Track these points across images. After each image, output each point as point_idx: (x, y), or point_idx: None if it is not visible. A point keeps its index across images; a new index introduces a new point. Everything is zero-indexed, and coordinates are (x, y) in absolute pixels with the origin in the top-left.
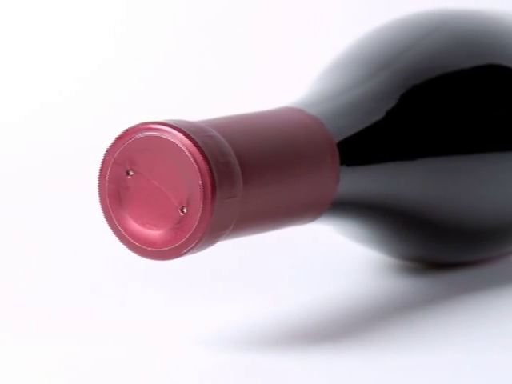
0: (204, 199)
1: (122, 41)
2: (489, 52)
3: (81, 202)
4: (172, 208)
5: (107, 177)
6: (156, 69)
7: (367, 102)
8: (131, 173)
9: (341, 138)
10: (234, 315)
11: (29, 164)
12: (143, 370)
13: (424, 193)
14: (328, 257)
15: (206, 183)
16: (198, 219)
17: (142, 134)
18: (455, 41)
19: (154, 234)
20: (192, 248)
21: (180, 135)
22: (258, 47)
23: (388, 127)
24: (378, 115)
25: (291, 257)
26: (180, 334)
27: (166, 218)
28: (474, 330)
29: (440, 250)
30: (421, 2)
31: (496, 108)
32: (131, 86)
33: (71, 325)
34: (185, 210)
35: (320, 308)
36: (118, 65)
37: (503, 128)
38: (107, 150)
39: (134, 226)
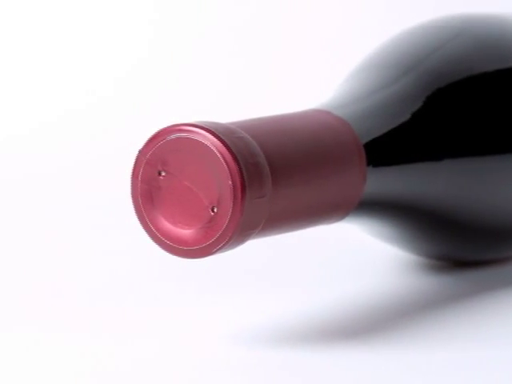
0: (234, 199)
1: (155, 44)
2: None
3: (114, 202)
4: (203, 208)
5: (140, 177)
6: (187, 72)
7: (393, 104)
8: (163, 173)
9: (367, 140)
10: (263, 312)
11: (65, 164)
12: (174, 366)
13: (449, 192)
14: (355, 255)
15: (235, 183)
16: (228, 219)
17: (173, 136)
18: (479, 44)
19: (185, 233)
20: (222, 247)
21: (211, 136)
22: (287, 51)
23: (413, 129)
24: (404, 117)
25: (319, 255)
26: (210, 331)
27: (196, 217)
28: (498, 328)
29: (465, 248)
30: (446, 7)
31: None
32: (163, 88)
33: (104, 322)
34: (215, 210)
35: (347, 305)
36: (151, 68)
37: None
38: (140, 151)
39: (166, 225)
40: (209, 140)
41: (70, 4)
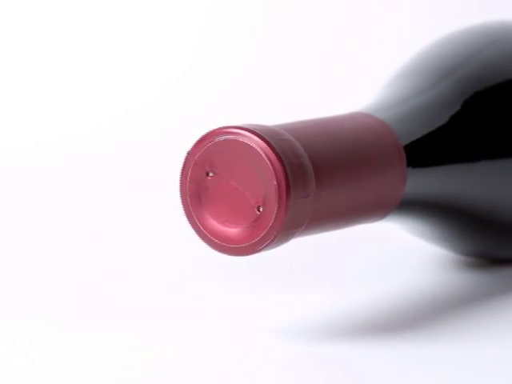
0: (279, 199)
1: (203, 49)
2: None
3: (164, 202)
4: (249, 207)
5: (188, 178)
6: (234, 77)
7: (432, 107)
8: (211, 174)
9: (407, 142)
10: (307, 308)
11: (118, 164)
12: (220, 359)
13: (485, 192)
14: (395, 253)
15: (280, 184)
16: (273, 218)
17: (221, 138)
18: None
19: (232, 231)
20: (267, 245)
21: (257, 139)
22: (331, 57)
23: (451, 131)
24: (443, 120)
25: (360, 253)
26: (255, 326)
27: (243, 216)
28: None
29: (501, 246)
30: (485, 14)
31: None
32: (211, 92)
33: (154, 318)
34: (261, 209)
35: (388, 301)
36: (200, 74)
37: None
38: (188, 153)
39: (213, 223)
40: (255, 142)
41: (128, 10)
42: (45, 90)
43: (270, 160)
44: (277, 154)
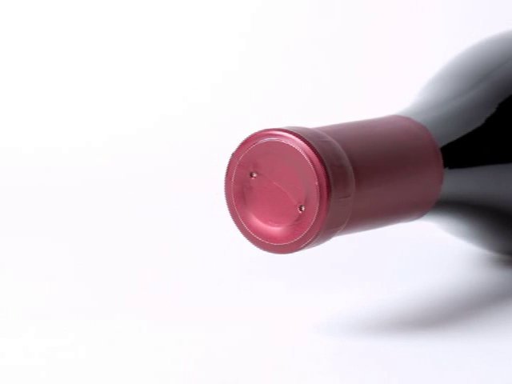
0: (320, 199)
1: (248, 54)
2: None
3: (209, 201)
4: (291, 206)
5: (233, 178)
6: (277, 80)
7: (468, 110)
8: (254, 174)
9: (444, 143)
10: (347, 303)
11: (166, 165)
12: (265, 353)
13: None
14: (432, 251)
15: (322, 184)
16: (314, 217)
17: (264, 140)
18: None
19: (275, 230)
20: (309, 243)
21: (299, 141)
22: (370, 62)
23: (487, 133)
24: (478, 122)
25: (398, 251)
26: (298, 321)
27: (286, 215)
28: None
29: None
30: None
31: None
32: (254, 96)
33: (201, 313)
34: (303, 209)
35: (425, 297)
36: (243, 77)
37: None
38: (233, 154)
39: (257, 222)
40: (297, 144)
41: (175, 14)
42: (94, 93)
43: (311, 161)
44: (318, 156)
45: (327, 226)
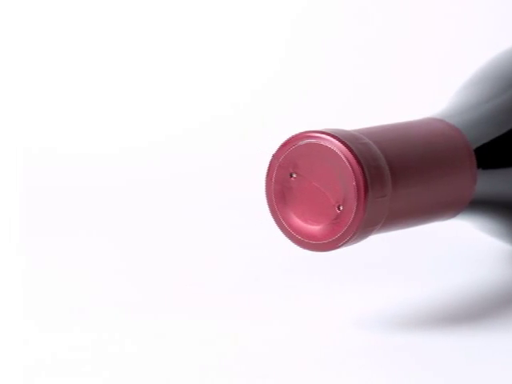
0: (358, 198)
1: (287, 59)
2: None
3: (251, 201)
4: (330, 206)
5: (273, 179)
6: (316, 84)
7: (501, 112)
8: (294, 175)
9: (477, 145)
10: (383, 300)
11: (210, 165)
12: (304, 347)
13: None
14: (466, 249)
15: (359, 184)
16: (352, 216)
17: (304, 142)
18: None
19: (314, 228)
20: (347, 241)
21: (337, 142)
22: (405, 66)
23: None
24: (510, 124)
25: (434, 249)
26: (336, 317)
27: (324, 214)
28: None
29: None
30: None
31: None
32: (294, 98)
33: (242, 308)
34: (341, 208)
35: (459, 294)
36: (284, 81)
37: None
38: (273, 156)
39: (297, 221)
40: (335, 145)
41: (216, 18)
42: (140, 96)
43: (349, 162)
44: (356, 157)
45: (364, 224)
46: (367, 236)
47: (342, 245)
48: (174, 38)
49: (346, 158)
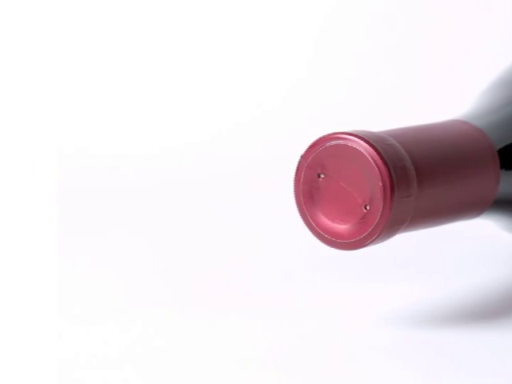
0: (384, 198)
1: (315, 62)
2: None
3: (280, 201)
4: (357, 206)
5: (302, 179)
6: (344, 86)
7: None
8: (322, 176)
9: (500, 146)
10: (409, 297)
11: (242, 165)
12: (332, 344)
13: None
14: (489, 247)
15: (385, 185)
16: (379, 215)
17: (331, 143)
18: None
19: (342, 227)
20: (374, 240)
21: (364, 143)
22: (430, 71)
23: None
24: None
25: (458, 247)
26: (363, 313)
27: (351, 214)
28: None
29: None
30: None
31: None
32: (323, 101)
33: (272, 306)
34: (368, 208)
35: (482, 291)
36: (312, 85)
37: None
38: (302, 157)
39: (325, 221)
40: (362, 146)
41: (246, 27)
42: (174, 99)
43: (376, 163)
44: (382, 158)
45: (390, 224)
46: (393, 235)
47: (368, 243)
48: (207, 42)
49: (372, 158)
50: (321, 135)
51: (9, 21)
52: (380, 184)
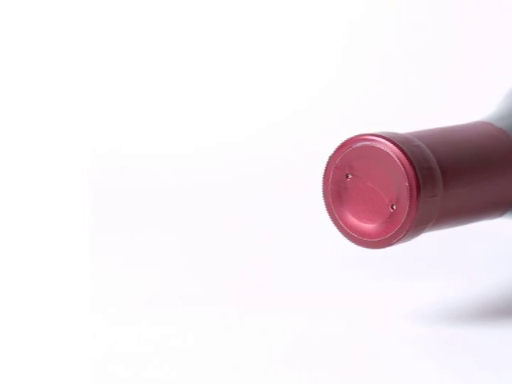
0: (410, 198)
1: (343, 65)
2: None
3: (309, 201)
4: (384, 205)
5: (330, 179)
6: (371, 88)
7: None
8: (350, 176)
9: None
10: (434, 294)
11: (273, 165)
12: (358, 340)
13: None
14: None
15: (412, 185)
16: (405, 215)
17: (359, 144)
18: None
19: (369, 227)
20: (400, 239)
21: (391, 145)
22: (456, 74)
23: None
24: None
25: (482, 246)
26: (389, 310)
27: (378, 213)
28: None
29: None
30: None
31: None
32: (350, 103)
33: (300, 302)
34: (394, 207)
35: (505, 289)
36: (340, 88)
37: None
38: (330, 157)
39: (352, 220)
40: (389, 148)
41: (275, 24)
42: (207, 101)
43: (402, 164)
44: (408, 159)
45: (416, 223)
46: (419, 234)
47: (395, 242)
48: (239, 44)
49: (399, 159)
50: (349, 136)
51: (38, 24)
52: (406, 184)
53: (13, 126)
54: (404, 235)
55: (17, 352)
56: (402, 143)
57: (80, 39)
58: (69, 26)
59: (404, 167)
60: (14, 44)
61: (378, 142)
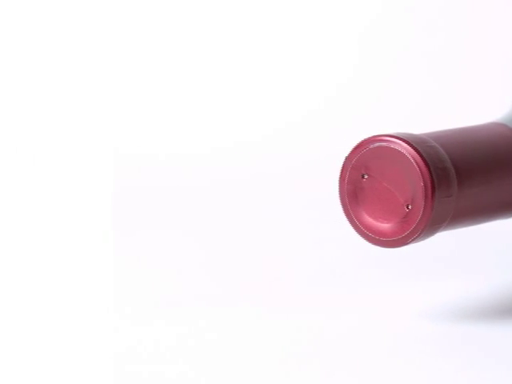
0: (425, 198)
1: (358, 68)
2: None
3: (325, 201)
4: (399, 205)
5: (346, 179)
6: (387, 90)
7: None
8: (366, 176)
9: None
10: (448, 293)
11: (290, 165)
12: (373, 338)
13: None
14: None
15: (427, 185)
16: (420, 214)
17: (375, 145)
18: None
19: (385, 226)
20: (415, 238)
21: (406, 145)
22: (470, 74)
23: None
24: None
25: (495, 245)
26: (405, 308)
27: (394, 213)
28: None
29: None
30: None
31: None
32: (366, 104)
33: (317, 301)
34: (410, 207)
35: None
36: (356, 91)
37: None
38: (346, 158)
39: (368, 219)
40: (405, 148)
41: (285, 29)
42: (222, 101)
43: (417, 164)
44: (423, 159)
45: (431, 222)
46: (434, 233)
47: (410, 241)
48: (256, 45)
49: (414, 160)
50: (365, 137)
51: (61, 24)
52: (421, 184)
53: (33, 128)
54: (419, 235)
55: (38, 351)
56: (418, 144)
57: (99, 43)
58: (84, 29)
59: (419, 167)
60: (31, 47)
61: (394, 142)
